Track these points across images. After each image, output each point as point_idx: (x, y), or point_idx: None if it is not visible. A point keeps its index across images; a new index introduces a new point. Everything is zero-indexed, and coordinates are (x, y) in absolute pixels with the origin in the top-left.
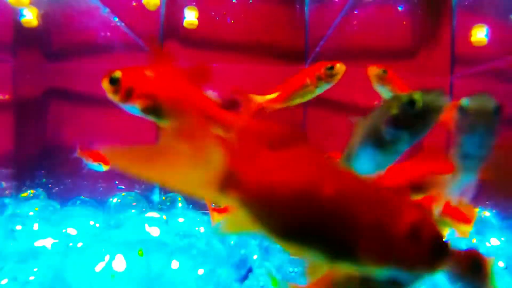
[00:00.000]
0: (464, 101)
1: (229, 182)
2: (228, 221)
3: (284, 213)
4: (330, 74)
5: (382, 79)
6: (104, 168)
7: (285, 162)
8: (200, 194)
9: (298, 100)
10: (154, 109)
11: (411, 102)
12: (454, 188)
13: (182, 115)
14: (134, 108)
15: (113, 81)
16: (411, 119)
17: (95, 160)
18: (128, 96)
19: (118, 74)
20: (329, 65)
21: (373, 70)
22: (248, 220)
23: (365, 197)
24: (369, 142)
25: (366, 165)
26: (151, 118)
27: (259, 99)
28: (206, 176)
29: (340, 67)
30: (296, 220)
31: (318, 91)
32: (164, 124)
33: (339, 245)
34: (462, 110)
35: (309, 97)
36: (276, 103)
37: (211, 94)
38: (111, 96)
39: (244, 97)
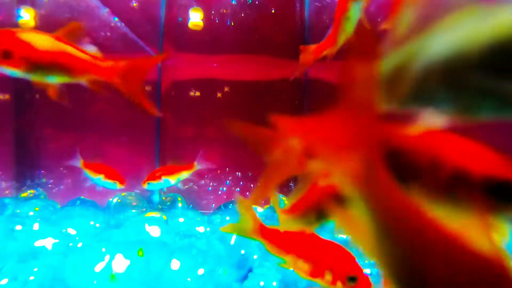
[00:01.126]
0: None
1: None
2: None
3: None
4: None
5: None
6: (119, 186)
7: None
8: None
9: (345, 35)
10: (34, 71)
11: None
12: None
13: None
14: (12, 71)
15: None
16: None
17: (108, 177)
18: (5, 58)
19: None
20: None
21: None
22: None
23: None
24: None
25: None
26: (31, 78)
27: (314, 47)
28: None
29: None
30: None
31: (353, 14)
32: (45, 81)
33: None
34: None
35: (350, 26)
36: (329, 46)
37: (90, 47)
38: None
39: (302, 50)
